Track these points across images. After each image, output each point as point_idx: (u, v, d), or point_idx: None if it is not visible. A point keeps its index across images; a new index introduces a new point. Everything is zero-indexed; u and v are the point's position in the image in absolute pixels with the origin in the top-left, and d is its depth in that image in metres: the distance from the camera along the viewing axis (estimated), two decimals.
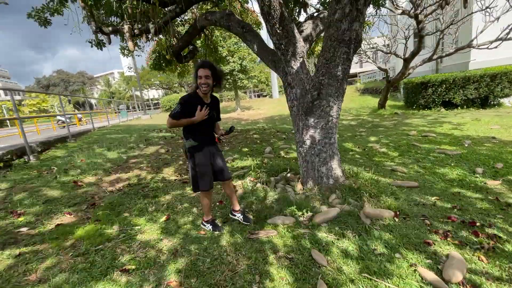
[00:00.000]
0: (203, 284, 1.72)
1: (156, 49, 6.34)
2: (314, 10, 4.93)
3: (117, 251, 2.05)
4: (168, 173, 4.15)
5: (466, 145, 4.83)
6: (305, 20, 3.95)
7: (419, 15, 7.13)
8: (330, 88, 2.81)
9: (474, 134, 5.60)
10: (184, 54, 6.09)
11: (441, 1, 5.50)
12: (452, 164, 4.00)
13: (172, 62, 6.25)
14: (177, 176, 4.00)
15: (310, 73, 3.17)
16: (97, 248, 2.08)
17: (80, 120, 14.52)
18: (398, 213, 2.55)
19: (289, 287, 1.68)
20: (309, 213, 2.55)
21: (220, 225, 2.47)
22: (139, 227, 2.40)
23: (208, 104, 2.26)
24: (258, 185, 3.41)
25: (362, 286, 1.65)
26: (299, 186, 3.19)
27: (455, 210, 2.62)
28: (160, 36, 6.57)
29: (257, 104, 22.54)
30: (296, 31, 3.04)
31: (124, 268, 1.88)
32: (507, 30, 7.14)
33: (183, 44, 5.47)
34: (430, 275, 1.69)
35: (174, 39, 5.67)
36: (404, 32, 8.99)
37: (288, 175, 3.65)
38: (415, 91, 10.29)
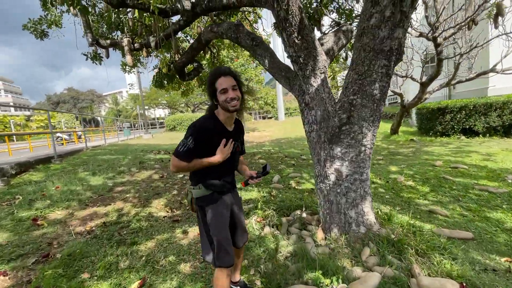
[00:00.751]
0: None
1: (157, 65, 5.94)
2: (329, 28, 4.51)
3: None
4: (158, 206, 3.44)
5: (511, 181, 4.12)
6: (324, 34, 3.48)
7: (438, 38, 6.75)
8: (364, 110, 2.20)
9: None
10: (188, 71, 5.67)
11: (468, 21, 5.10)
12: (504, 206, 3.27)
13: (173, 79, 5.80)
14: (167, 212, 3.28)
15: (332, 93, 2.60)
16: None
17: (79, 138, 14.13)
18: (465, 285, 1.81)
19: None
20: (341, 284, 1.81)
21: None
22: None
23: (231, 133, 1.52)
24: (267, 229, 2.70)
25: None
26: (320, 235, 2.46)
27: None
28: (165, 54, 6.24)
29: (263, 126, 22.14)
30: (317, 42, 2.51)
31: None
32: None
33: (187, 60, 5.04)
34: None
35: (178, 55, 5.27)
36: (421, 56, 8.61)
37: (304, 215, 2.95)
38: (430, 117, 9.69)
